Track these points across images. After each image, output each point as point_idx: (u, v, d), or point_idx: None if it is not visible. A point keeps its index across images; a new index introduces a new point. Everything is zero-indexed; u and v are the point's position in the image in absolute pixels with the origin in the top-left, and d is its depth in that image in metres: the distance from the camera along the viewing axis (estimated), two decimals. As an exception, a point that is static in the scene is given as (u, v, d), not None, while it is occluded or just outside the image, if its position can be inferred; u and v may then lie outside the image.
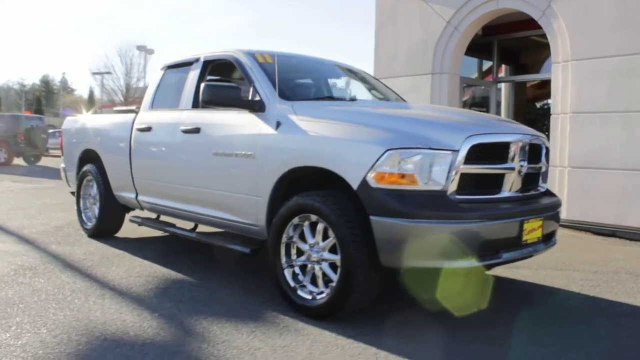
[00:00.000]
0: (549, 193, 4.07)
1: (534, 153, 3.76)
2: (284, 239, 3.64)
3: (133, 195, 5.36)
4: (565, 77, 7.35)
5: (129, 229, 6.12)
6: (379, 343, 3.06)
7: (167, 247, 5.63)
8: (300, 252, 3.64)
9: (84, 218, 6.13)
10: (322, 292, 3.45)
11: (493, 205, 3.36)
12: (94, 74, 45.28)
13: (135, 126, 5.20)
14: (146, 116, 5.14)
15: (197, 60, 4.81)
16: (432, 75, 9.17)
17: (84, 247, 5.43)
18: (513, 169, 3.48)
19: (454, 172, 3.15)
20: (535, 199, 3.78)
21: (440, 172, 3.14)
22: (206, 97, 3.96)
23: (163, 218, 5.45)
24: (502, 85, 11.20)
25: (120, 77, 42.60)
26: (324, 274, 3.46)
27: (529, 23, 9.08)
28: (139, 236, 6.12)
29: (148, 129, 5.01)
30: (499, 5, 8.26)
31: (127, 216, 5.82)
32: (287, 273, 3.64)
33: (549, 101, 14.95)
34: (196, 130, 4.42)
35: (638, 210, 6.69)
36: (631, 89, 6.61)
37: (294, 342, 3.06)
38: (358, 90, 4.98)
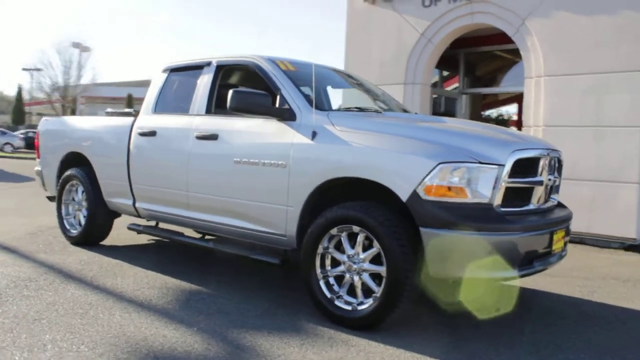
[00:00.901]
0: (560, 205, 4.29)
1: (554, 166, 3.95)
2: (320, 249, 3.62)
3: (129, 202, 5.13)
4: (537, 92, 7.75)
5: (110, 237, 5.81)
6: (430, 352, 3.10)
7: (163, 256, 5.42)
8: (335, 263, 3.63)
9: (66, 225, 5.79)
10: (362, 303, 3.45)
11: (527, 217, 3.50)
12: (25, 70, 42.64)
13: (136, 130, 4.98)
14: (149, 120, 4.94)
15: (209, 64, 4.68)
16: (405, 85, 9.37)
17: (74, 255, 5.13)
18: (542, 182, 3.64)
19: (499, 186, 3.26)
20: (554, 211, 3.97)
21: (487, 186, 3.23)
22: (235, 104, 3.87)
23: (162, 225, 5.27)
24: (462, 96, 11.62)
25: (58, 75, 40.29)
26: (363, 284, 3.47)
27: (493, 38, 9.53)
28: (126, 244, 5.85)
29: (152, 134, 4.82)
30: (474, 20, 8.58)
31: (116, 223, 5.56)
32: (323, 284, 3.62)
33: (501, 110, 15.68)
34: (213, 137, 4.30)
35: (604, 219, 7.16)
36: (603, 105, 7.07)
37: (348, 354, 3.05)
38: (371, 99, 5.02)
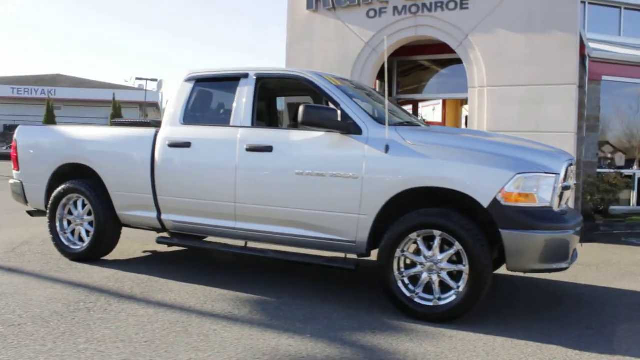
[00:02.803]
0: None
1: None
2: (398, 253, 3.98)
3: (152, 215, 5.01)
4: (481, 101, 8.71)
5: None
6: (531, 338, 3.59)
7: (187, 267, 5.32)
8: (409, 264, 4.01)
9: (63, 241, 5.43)
10: (441, 299, 3.88)
11: (569, 217, 4.17)
12: None
13: (163, 141, 4.87)
14: (179, 131, 4.85)
15: (246, 76, 4.74)
16: (351, 90, 9.87)
17: (92, 272, 4.88)
18: (570, 187, 4.34)
19: (557, 191, 3.88)
20: (571, 212, 4.70)
21: (548, 191, 3.83)
22: (306, 119, 4.07)
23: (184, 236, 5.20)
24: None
25: None
26: (440, 282, 3.90)
27: (427, 48, 10.41)
28: (129, 257, 5.66)
29: (186, 145, 4.76)
30: (418, 33, 9.34)
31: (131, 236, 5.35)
32: (401, 284, 3.99)
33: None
34: (267, 149, 4.42)
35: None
36: (540, 113, 8.18)
37: (457, 343, 3.44)
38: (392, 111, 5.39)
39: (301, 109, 4.08)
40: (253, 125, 4.62)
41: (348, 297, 4.46)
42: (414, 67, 12.17)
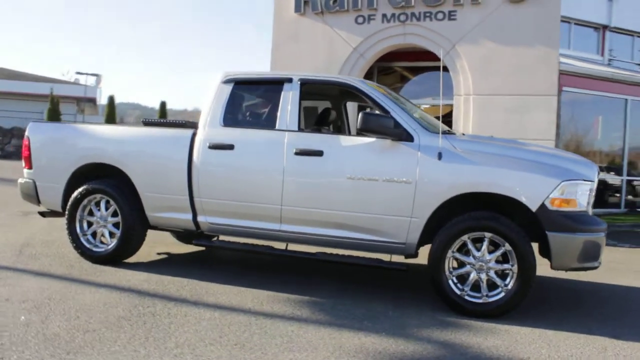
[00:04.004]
0: None
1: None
2: (449, 254, 4.22)
3: (186, 216, 4.99)
4: (466, 108, 9.16)
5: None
6: (576, 330, 3.91)
7: (220, 268, 5.32)
8: (458, 264, 4.27)
9: (84, 243, 5.28)
10: (489, 296, 4.15)
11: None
12: None
13: (203, 143, 4.86)
14: (220, 133, 4.86)
15: (290, 80, 4.83)
16: (337, 94, 10.08)
17: (126, 276, 4.80)
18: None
19: (592, 197, 4.26)
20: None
21: (585, 197, 4.19)
22: (365, 125, 4.24)
23: (222, 239, 5.20)
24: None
25: None
26: (487, 280, 4.18)
27: (406, 55, 10.79)
28: (149, 260, 5.58)
29: (228, 147, 4.78)
30: (406, 41, 9.68)
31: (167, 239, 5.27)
32: (452, 283, 4.23)
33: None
34: (318, 154, 4.53)
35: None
36: (524, 121, 8.72)
37: (511, 337, 3.72)
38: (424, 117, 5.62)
39: (360, 116, 4.24)
40: (299, 129, 4.72)
41: (390, 296, 4.65)
42: (388, 73, 12.55)
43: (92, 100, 45.83)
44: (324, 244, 4.69)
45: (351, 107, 6.44)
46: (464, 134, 5.05)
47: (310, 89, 5.17)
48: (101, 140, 5.30)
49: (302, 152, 4.58)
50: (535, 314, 4.29)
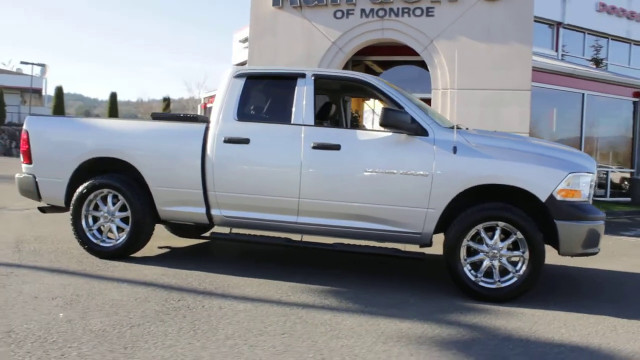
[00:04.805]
0: None
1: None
2: (465, 242, 4.46)
3: (199, 210, 5.01)
4: (444, 101, 9.48)
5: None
6: (584, 311, 4.24)
7: (232, 260, 5.37)
8: (471, 252, 4.52)
9: (91, 238, 5.21)
10: (501, 281, 4.42)
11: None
12: None
13: (217, 137, 4.89)
14: (235, 127, 4.89)
15: (304, 75, 4.93)
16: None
17: (141, 271, 4.79)
18: (588, 183, 5.11)
19: (593, 188, 4.60)
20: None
21: (587, 188, 4.52)
22: (387, 121, 4.41)
23: (235, 231, 5.24)
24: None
25: None
26: (499, 267, 4.45)
27: (384, 49, 11.03)
28: (156, 254, 5.56)
29: (244, 141, 4.83)
30: (385, 36, 9.89)
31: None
32: (467, 270, 4.48)
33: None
34: (335, 147, 4.66)
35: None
36: (499, 115, 9.12)
37: (527, 319, 4.00)
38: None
39: (382, 111, 4.40)
40: (315, 123, 4.83)
41: (405, 285, 4.85)
42: (356, 65, 12.76)
43: (38, 92, 43.94)
44: (340, 235, 4.83)
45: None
46: (467, 129, 5.28)
47: (322, 84, 5.27)
48: (109, 134, 5.22)
49: (320, 146, 4.69)
50: (543, 298, 4.60)
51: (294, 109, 4.87)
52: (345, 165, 4.67)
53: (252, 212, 4.91)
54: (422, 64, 10.66)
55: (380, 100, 5.48)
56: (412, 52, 9.94)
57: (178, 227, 6.30)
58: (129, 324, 3.45)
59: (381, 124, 4.44)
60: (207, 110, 24.03)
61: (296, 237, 5.13)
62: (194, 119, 5.25)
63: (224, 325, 3.52)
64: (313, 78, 4.92)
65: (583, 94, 13.54)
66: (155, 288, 4.30)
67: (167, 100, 40.05)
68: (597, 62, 17.56)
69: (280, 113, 4.96)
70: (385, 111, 4.40)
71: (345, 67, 11.76)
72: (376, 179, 4.59)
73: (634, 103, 14.60)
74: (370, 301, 4.25)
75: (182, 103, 52.24)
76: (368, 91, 5.14)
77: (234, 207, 4.95)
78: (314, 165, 4.72)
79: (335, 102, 6.10)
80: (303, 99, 4.87)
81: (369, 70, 12.52)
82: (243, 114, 4.99)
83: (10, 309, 3.62)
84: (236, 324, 3.56)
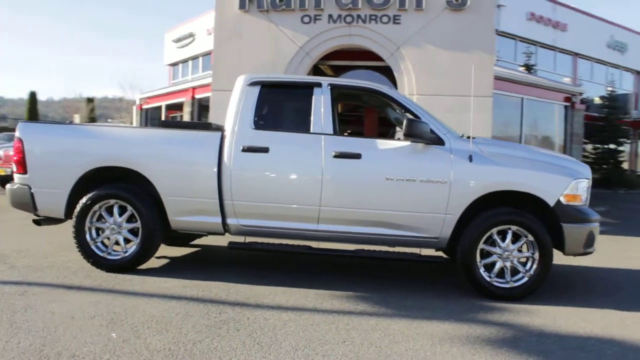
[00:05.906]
0: None
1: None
2: (480, 245, 4.75)
3: (214, 219, 4.96)
4: (410, 106, 9.82)
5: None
6: (591, 306, 4.63)
7: (240, 269, 5.32)
8: (484, 254, 4.81)
9: (95, 250, 5.00)
10: (515, 281, 4.74)
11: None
12: None
13: (235, 146, 4.85)
14: (253, 136, 4.88)
15: (320, 85, 5.00)
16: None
17: (159, 284, 4.68)
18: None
19: (589, 193, 5.04)
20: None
21: (585, 193, 4.95)
22: (410, 131, 4.60)
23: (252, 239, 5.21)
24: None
25: None
26: (511, 267, 4.78)
27: (350, 54, 11.21)
28: (155, 266, 5.42)
29: (263, 150, 4.84)
30: (352, 41, 10.08)
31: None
32: (482, 272, 4.76)
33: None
34: (356, 156, 4.78)
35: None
36: (463, 120, 9.55)
37: (541, 316, 4.34)
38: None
39: (406, 122, 4.58)
40: (335, 132, 4.92)
41: (425, 287, 5.07)
42: (314, 72, 12.89)
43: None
44: (360, 242, 4.96)
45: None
46: (468, 137, 5.58)
47: (339, 94, 5.35)
48: (117, 143, 5.03)
49: (341, 155, 4.80)
50: (550, 295, 4.98)
51: (312, 118, 4.93)
52: (367, 173, 4.81)
53: (271, 220, 4.93)
54: (383, 69, 11.00)
55: (385, 109, 5.66)
56: (375, 57, 10.21)
57: (166, 237, 6.15)
58: (189, 341, 3.40)
59: (405, 134, 4.62)
60: (143, 111, 23.13)
61: (308, 243, 5.19)
62: (205, 126, 5.17)
63: (282, 337, 3.55)
64: (330, 88, 5.01)
65: (522, 98, 14.49)
66: (188, 302, 4.23)
67: (91, 101, 38.15)
68: (528, 67, 18.81)
69: (297, 122, 5.02)
70: (410, 122, 4.59)
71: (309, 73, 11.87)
72: (397, 186, 4.76)
73: (565, 107, 15.83)
74: (399, 305, 4.42)
75: (114, 103, 48.49)
76: (381, 101, 5.30)
77: (253, 216, 4.94)
78: (336, 173, 4.82)
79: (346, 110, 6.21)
80: (321, 108, 4.95)
81: (321, 73, 12.67)
82: (260, 123, 4.99)
83: (55, 331, 3.45)
84: (294, 335, 3.60)
